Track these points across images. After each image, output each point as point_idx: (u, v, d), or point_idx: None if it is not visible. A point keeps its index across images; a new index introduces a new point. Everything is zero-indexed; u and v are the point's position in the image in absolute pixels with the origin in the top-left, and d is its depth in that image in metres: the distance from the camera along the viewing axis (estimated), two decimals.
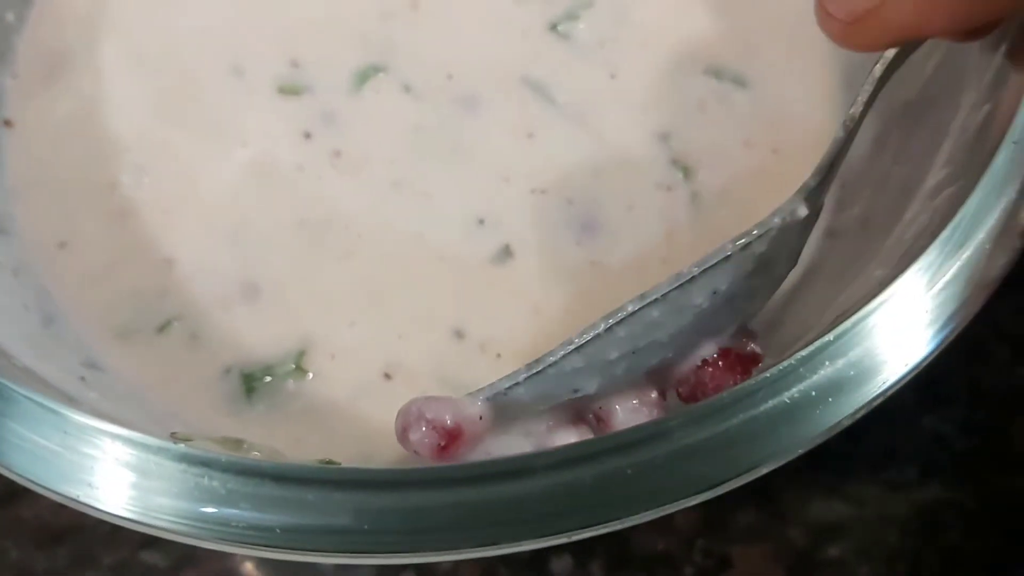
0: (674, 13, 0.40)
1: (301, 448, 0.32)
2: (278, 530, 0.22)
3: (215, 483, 0.22)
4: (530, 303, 0.35)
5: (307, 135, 0.37)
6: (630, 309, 0.26)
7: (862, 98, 0.28)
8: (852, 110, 0.28)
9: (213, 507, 0.22)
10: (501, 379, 0.26)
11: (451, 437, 0.25)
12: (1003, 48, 0.29)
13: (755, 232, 0.26)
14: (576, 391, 0.26)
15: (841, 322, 0.24)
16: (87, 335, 0.34)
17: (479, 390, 0.26)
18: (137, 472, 0.22)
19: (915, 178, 0.30)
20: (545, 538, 0.22)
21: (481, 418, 0.25)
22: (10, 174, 0.36)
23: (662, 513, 0.22)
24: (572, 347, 0.26)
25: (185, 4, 0.40)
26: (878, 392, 0.24)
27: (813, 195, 0.27)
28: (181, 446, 0.23)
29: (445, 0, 0.40)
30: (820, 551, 0.37)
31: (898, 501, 0.38)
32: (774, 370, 0.23)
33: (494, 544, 0.22)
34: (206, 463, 0.22)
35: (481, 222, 0.36)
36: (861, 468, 0.38)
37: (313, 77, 0.38)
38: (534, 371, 0.26)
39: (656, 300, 0.26)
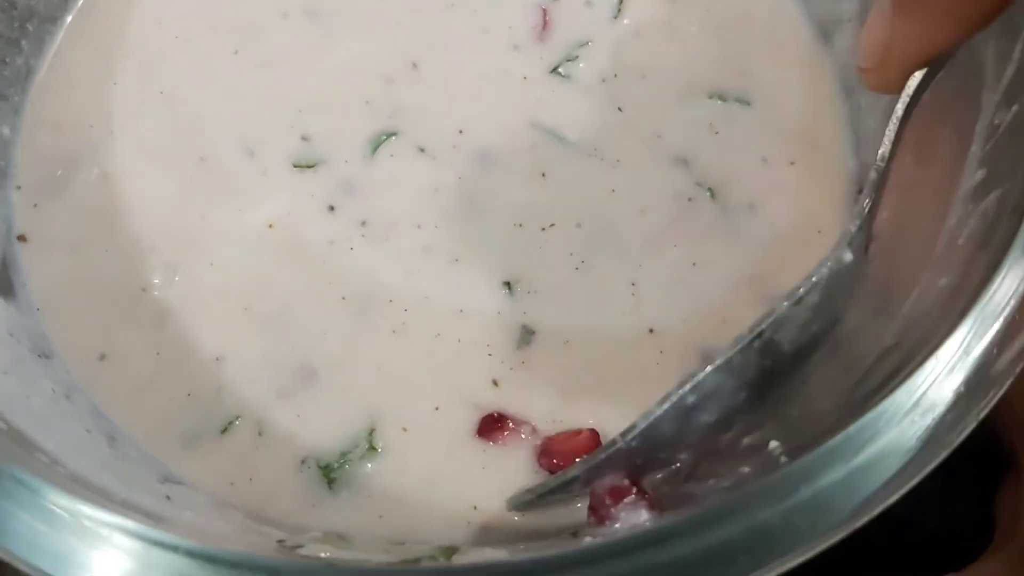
0: (667, 44, 0.41)
1: (384, 524, 0.32)
2: None
3: None
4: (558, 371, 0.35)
5: (331, 208, 0.37)
6: (699, 377, 0.26)
7: (888, 138, 0.29)
8: (881, 150, 0.29)
9: None
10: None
11: None
12: (1019, 47, 0.30)
13: (805, 285, 0.27)
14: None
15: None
16: (152, 448, 0.33)
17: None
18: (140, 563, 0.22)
19: (947, 181, 0.31)
20: None
21: None
22: (35, 293, 0.36)
23: None
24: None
25: (186, 95, 0.39)
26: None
27: (857, 240, 0.28)
28: (187, 540, 0.22)
29: (444, 57, 0.40)
30: None
31: None
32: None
33: None
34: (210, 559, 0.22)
35: (507, 285, 0.36)
36: None
37: (326, 149, 0.38)
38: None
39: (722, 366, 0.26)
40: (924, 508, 0.39)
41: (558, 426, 0.34)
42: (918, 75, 0.28)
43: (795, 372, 0.28)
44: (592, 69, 0.40)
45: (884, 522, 0.38)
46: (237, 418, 0.34)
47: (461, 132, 0.39)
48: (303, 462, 0.33)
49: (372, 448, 0.33)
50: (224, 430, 0.33)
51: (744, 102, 0.39)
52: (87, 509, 0.23)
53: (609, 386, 0.34)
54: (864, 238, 0.28)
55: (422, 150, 0.38)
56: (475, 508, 0.32)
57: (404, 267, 0.36)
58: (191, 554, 0.22)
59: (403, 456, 0.33)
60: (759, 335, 0.26)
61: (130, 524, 0.22)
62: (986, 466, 0.35)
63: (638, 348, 0.35)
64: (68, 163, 0.38)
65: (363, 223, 0.37)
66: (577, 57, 0.40)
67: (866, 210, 0.27)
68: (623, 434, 0.27)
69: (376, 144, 0.38)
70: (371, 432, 0.33)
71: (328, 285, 0.36)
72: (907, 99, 0.28)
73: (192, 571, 0.22)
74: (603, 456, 0.27)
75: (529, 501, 0.30)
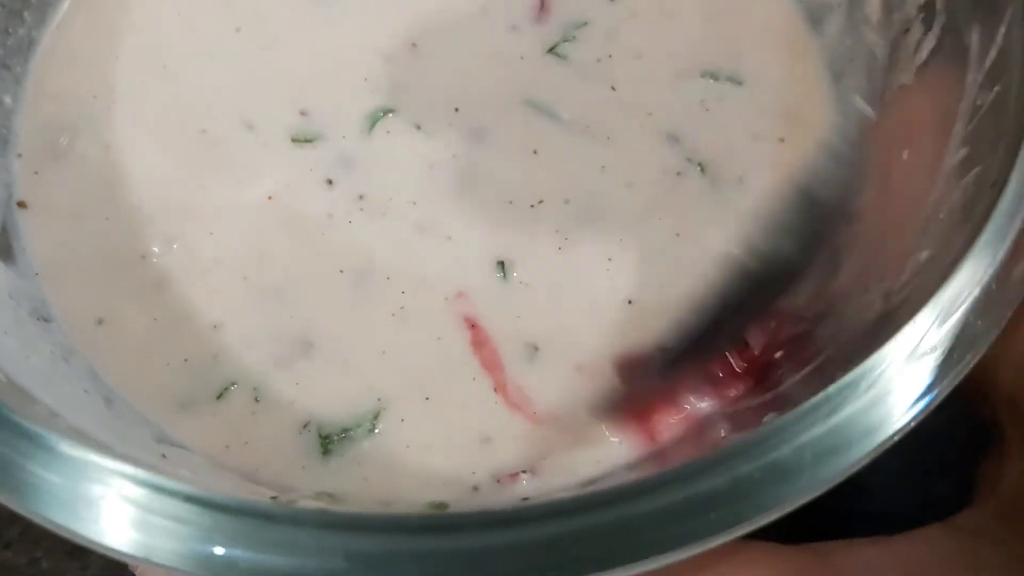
0: (662, 26, 0.42)
1: (369, 487, 0.33)
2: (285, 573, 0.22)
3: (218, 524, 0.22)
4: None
5: (330, 181, 0.38)
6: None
7: None
8: None
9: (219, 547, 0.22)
10: None
11: None
12: (1002, 30, 0.31)
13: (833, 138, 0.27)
14: None
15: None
16: (148, 411, 0.34)
17: None
18: (142, 509, 0.23)
19: (930, 160, 0.32)
20: None
21: None
22: (35, 258, 0.36)
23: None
24: None
25: (188, 71, 0.40)
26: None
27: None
28: (188, 486, 0.23)
29: (442, 36, 0.41)
30: None
31: None
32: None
33: None
34: (210, 504, 0.23)
35: (500, 264, 0.37)
36: None
37: (324, 124, 0.39)
38: None
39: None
40: (904, 485, 0.40)
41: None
42: None
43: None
44: (588, 50, 0.41)
45: (863, 496, 0.39)
46: (233, 384, 0.34)
47: (457, 110, 0.39)
48: (305, 426, 0.33)
49: (372, 430, 0.34)
50: (220, 395, 0.34)
51: (736, 81, 0.40)
52: (87, 455, 0.23)
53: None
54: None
55: (419, 127, 0.39)
56: (473, 473, 0.33)
57: (399, 245, 0.37)
58: (191, 499, 0.23)
59: (399, 433, 0.34)
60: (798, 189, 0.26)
61: (131, 470, 0.23)
62: (965, 444, 0.36)
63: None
64: (70, 133, 0.38)
65: (361, 196, 0.38)
66: (574, 38, 0.41)
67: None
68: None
69: (374, 120, 0.39)
70: (376, 415, 0.34)
71: (327, 258, 0.36)
72: None
73: (192, 516, 0.22)
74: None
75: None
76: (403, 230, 0.37)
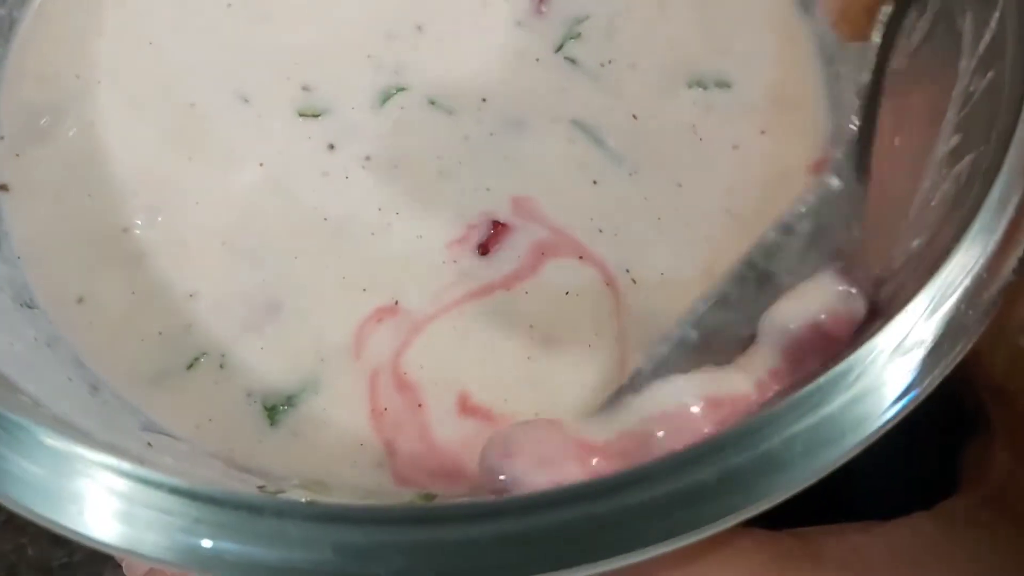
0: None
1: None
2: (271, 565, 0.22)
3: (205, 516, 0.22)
4: None
5: (331, 146, 0.37)
6: (699, 312, 0.27)
7: (869, 65, 0.29)
8: (862, 78, 0.29)
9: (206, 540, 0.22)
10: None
11: None
12: (996, 15, 0.31)
13: (791, 213, 0.27)
14: None
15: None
16: (126, 392, 0.33)
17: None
18: (127, 501, 0.22)
19: (922, 148, 0.32)
20: None
21: None
22: (17, 241, 0.36)
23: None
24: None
25: (175, 46, 0.39)
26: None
27: (845, 166, 0.28)
28: (173, 478, 0.23)
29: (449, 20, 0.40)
30: None
31: None
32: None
33: None
34: (196, 496, 0.22)
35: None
36: None
37: (330, 99, 0.38)
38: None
39: (718, 300, 0.27)
40: (891, 472, 0.40)
41: None
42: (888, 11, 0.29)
43: None
44: (588, 45, 0.40)
45: (850, 482, 0.39)
46: (203, 354, 0.34)
47: (484, 100, 0.39)
48: (249, 395, 0.33)
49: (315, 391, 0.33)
50: (190, 366, 0.34)
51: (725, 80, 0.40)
52: (71, 447, 0.23)
53: None
54: (855, 164, 0.28)
55: (435, 104, 0.38)
56: None
57: (413, 185, 0.37)
58: (177, 491, 0.22)
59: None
60: (751, 266, 0.26)
61: (115, 462, 0.23)
62: (952, 431, 0.36)
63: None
64: (52, 112, 0.38)
65: (367, 157, 0.37)
66: (580, 35, 0.40)
67: (855, 135, 0.28)
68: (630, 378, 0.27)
69: (386, 96, 0.38)
70: (316, 382, 0.33)
71: (311, 211, 0.36)
72: (883, 27, 0.29)
73: (178, 508, 0.22)
74: None
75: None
76: (422, 176, 0.37)
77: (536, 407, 0.33)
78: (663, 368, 0.27)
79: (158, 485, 0.22)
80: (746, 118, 0.39)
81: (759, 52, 0.40)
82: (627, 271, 0.36)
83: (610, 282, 0.35)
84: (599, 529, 0.21)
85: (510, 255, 0.36)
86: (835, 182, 0.28)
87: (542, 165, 0.38)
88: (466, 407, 0.33)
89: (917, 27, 0.35)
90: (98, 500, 0.22)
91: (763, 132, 0.39)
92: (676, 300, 0.34)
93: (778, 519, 0.27)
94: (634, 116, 0.39)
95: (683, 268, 0.36)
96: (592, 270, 0.36)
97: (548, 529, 0.21)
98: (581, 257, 0.36)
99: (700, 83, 0.40)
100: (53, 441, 0.23)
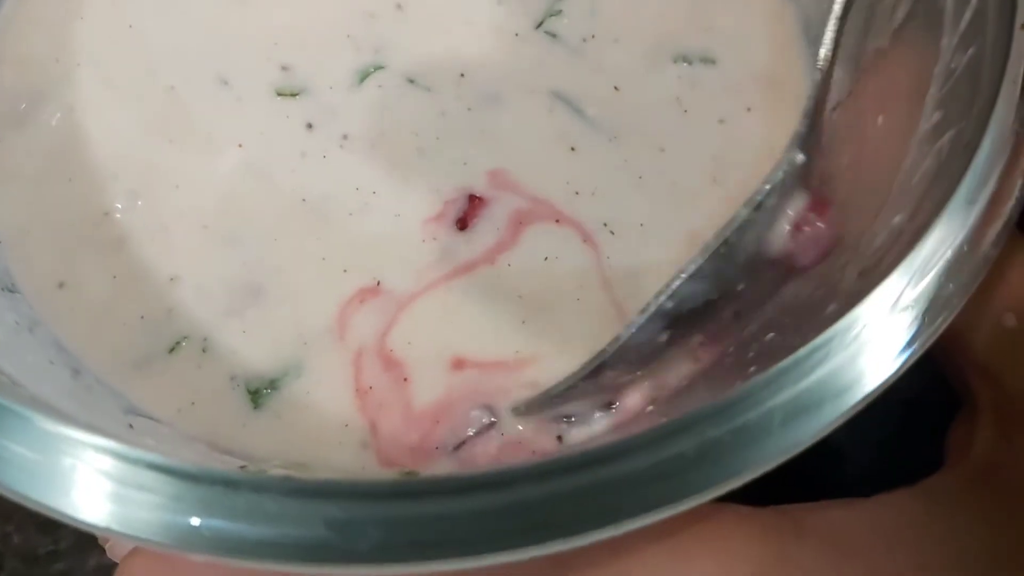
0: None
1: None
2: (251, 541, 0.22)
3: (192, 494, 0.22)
4: None
5: (309, 126, 0.37)
6: (675, 285, 0.27)
7: (829, 37, 0.30)
8: (823, 51, 0.30)
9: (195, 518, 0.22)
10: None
11: None
12: None
13: (761, 190, 0.28)
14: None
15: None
16: (109, 376, 0.33)
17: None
18: (115, 482, 0.22)
19: (904, 126, 0.32)
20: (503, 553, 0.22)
21: None
22: None
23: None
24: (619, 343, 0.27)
25: (155, 29, 0.39)
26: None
27: (806, 141, 0.29)
28: (156, 456, 0.23)
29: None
30: None
31: None
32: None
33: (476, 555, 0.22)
34: (184, 475, 0.22)
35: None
36: None
37: (308, 78, 0.38)
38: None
39: (694, 273, 0.27)
40: (876, 451, 0.40)
41: None
42: None
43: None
44: (570, 21, 0.40)
45: (836, 461, 0.39)
46: (185, 338, 0.34)
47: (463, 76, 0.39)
48: (232, 379, 0.33)
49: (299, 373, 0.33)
50: (172, 350, 0.33)
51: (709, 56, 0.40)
52: (57, 428, 0.23)
53: None
54: (815, 137, 0.28)
55: (413, 82, 0.38)
56: None
57: (391, 164, 0.36)
58: (165, 470, 0.22)
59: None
60: (725, 242, 0.27)
61: (103, 442, 0.23)
62: (936, 410, 0.36)
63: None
64: (32, 97, 0.37)
65: (345, 136, 0.37)
66: (560, 12, 0.40)
67: (812, 108, 0.28)
68: (610, 344, 0.28)
69: (364, 75, 0.38)
70: (299, 365, 0.33)
71: (291, 192, 0.36)
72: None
73: (166, 487, 0.22)
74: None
75: (537, 403, 0.31)
76: (400, 154, 0.37)
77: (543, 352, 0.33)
78: (639, 334, 0.27)
79: (146, 464, 0.22)
80: (731, 95, 0.39)
81: (744, 31, 0.40)
82: (604, 224, 0.36)
83: (587, 239, 0.36)
84: (577, 503, 0.21)
85: (489, 227, 0.36)
86: (799, 157, 0.28)
87: (519, 137, 0.38)
88: (462, 365, 0.33)
89: (900, 5, 0.35)
90: (85, 480, 0.22)
91: (749, 109, 0.39)
92: (657, 248, 0.35)
93: (764, 497, 0.27)
94: (616, 88, 0.39)
95: (663, 219, 0.36)
96: (569, 230, 0.36)
97: (525, 503, 0.21)
98: (558, 220, 0.36)
99: (685, 59, 0.39)
100: (40, 422, 0.23)
